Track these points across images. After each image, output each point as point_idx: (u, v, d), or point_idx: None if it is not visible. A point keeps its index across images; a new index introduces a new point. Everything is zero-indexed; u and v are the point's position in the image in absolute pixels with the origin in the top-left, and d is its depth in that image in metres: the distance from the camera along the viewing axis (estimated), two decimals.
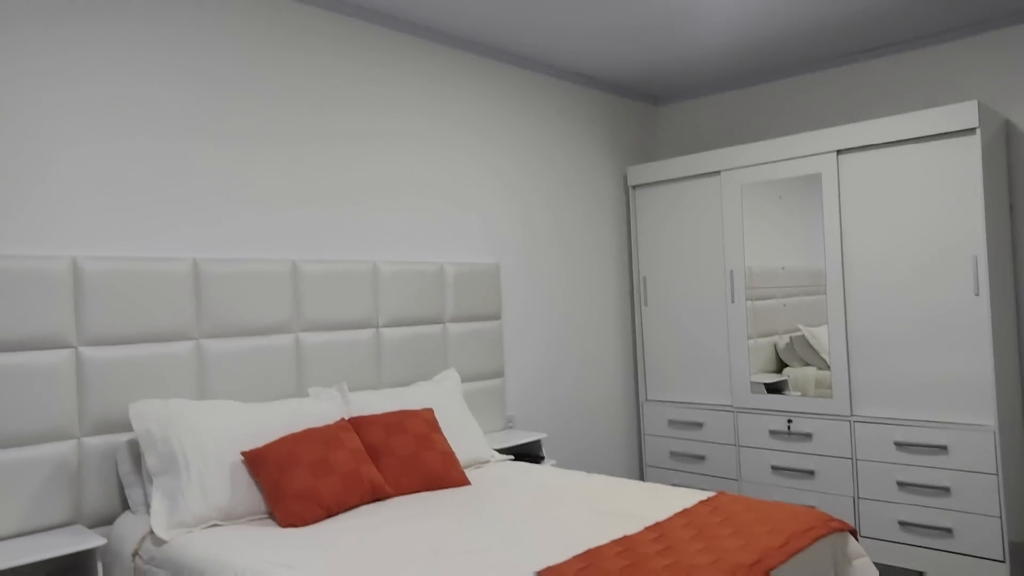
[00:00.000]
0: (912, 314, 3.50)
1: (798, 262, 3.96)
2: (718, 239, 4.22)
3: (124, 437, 2.51)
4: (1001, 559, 3.23)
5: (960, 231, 3.36)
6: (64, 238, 2.48)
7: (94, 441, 2.46)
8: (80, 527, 2.38)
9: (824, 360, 3.85)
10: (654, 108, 5.04)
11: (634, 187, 4.61)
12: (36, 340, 2.35)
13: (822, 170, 3.78)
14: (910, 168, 3.51)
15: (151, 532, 2.25)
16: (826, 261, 3.78)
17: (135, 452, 2.48)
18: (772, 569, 1.79)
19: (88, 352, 2.45)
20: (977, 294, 3.30)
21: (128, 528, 2.33)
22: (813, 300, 3.90)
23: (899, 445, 3.52)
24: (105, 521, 2.46)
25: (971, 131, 3.31)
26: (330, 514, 2.34)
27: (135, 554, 2.24)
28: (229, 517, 2.33)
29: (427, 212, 3.58)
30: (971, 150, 3.32)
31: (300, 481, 2.34)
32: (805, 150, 3.82)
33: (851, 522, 3.69)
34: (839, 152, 3.73)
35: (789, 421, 3.90)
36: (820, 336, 3.89)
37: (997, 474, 3.24)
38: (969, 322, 3.33)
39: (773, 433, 3.98)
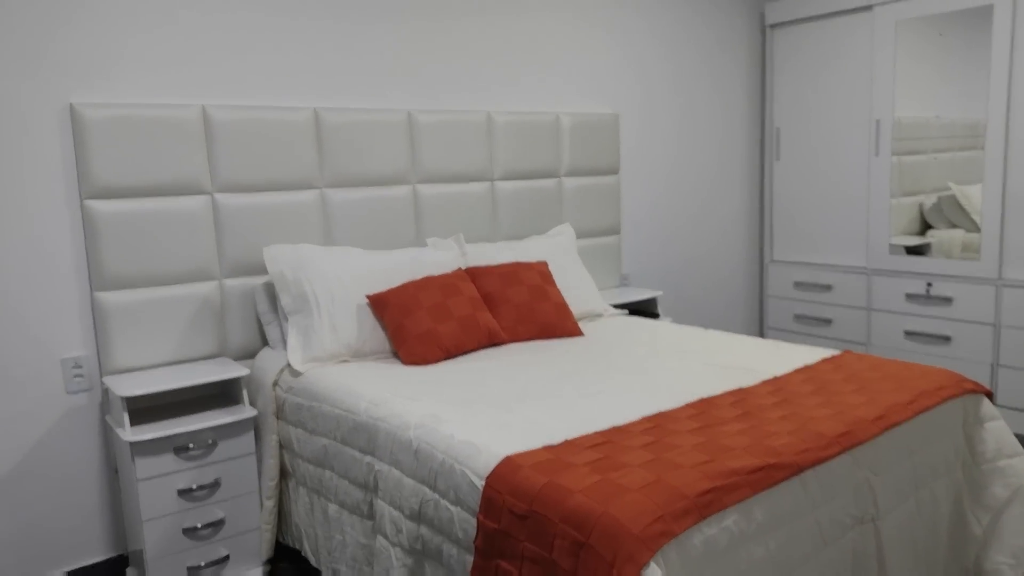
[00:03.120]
0: None
1: (955, 112, 3.55)
2: (866, 85, 3.83)
3: (260, 279, 2.68)
4: None
5: None
6: (194, 87, 2.56)
7: (233, 282, 2.64)
8: (226, 359, 2.61)
9: (974, 222, 3.52)
10: None
11: (772, 26, 4.20)
12: (176, 186, 2.50)
13: (995, 1, 3.28)
14: None
15: (288, 365, 2.44)
16: (989, 110, 3.36)
17: (271, 293, 2.65)
18: (896, 425, 1.72)
19: (223, 198, 2.58)
20: None
21: (268, 361, 2.53)
22: (968, 156, 3.52)
23: None
24: (247, 355, 2.68)
25: None
26: (449, 355, 2.44)
27: (275, 384, 2.44)
28: (357, 354, 2.48)
29: (540, 61, 3.43)
30: None
31: (421, 324, 2.44)
32: None
33: None
34: None
35: (929, 284, 3.65)
36: (972, 196, 3.54)
37: None
38: None
39: (909, 297, 3.74)
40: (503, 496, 1.49)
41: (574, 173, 3.50)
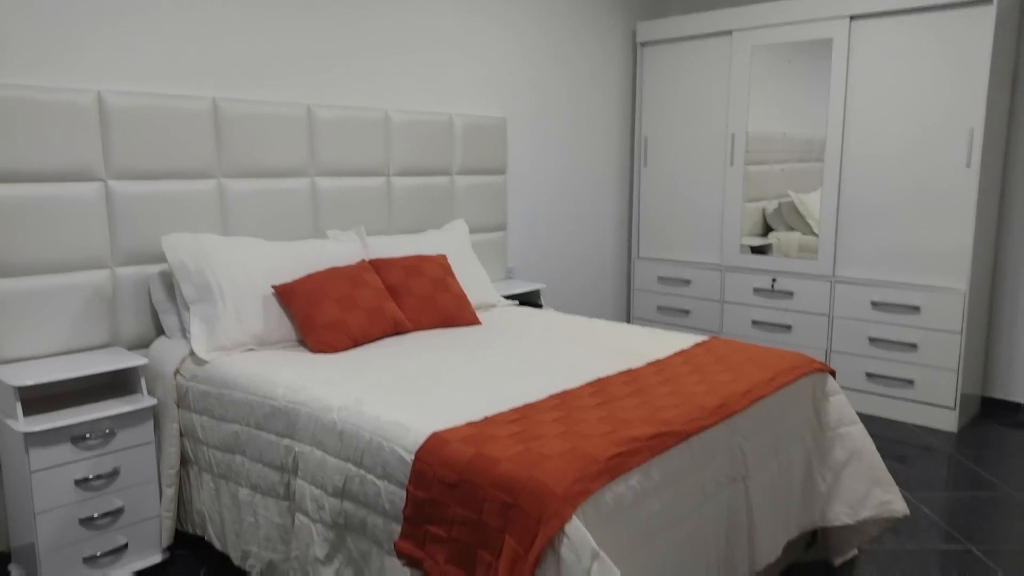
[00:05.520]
0: (903, 184, 3.64)
1: (798, 128, 4.03)
2: (723, 102, 4.25)
3: (155, 268, 2.64)
4: (952, 407, 3.57)
5: (962, 103, 3.43)
6: (89, 72, 2.48)
7: (127, 271, 2.59)
8: (119, 348, 2.56)
9: (809, 225, 4.02)
10: None
11: (642, 44, 4.56)
12: (66, 172, 2.42)
13: (834, 35, 3.78)
14: (921, 38, 3.52)
15: (191, 354, 2.44)
16: (828, 128, 3.86)
17: (167, 282, 2.62)
18: (761, 398, 2.02)
19: (117, 185, 2.53)
20: (968, 166, 3.43)
21: (166, 350, 2.51)
22: (806, 167, 4.01)
23: (875, 304, 3.76)
24: (141, 345, 2.64)
25: (987, 1, 3.32)
26: (357, 343, 2.53)
27: (176, 372, 2.43)
28: (264, 343, 2.51)
29: (437, 63, 3.57)
30: (984, 21, 3.34)
31: (329, 313, 2.51)
32: (820, 13, 3.80)
33: None
34: (852, 17, 3.71)
35: (774, 280, 4.13)
36: (808, 203, 4.03)
37: (961, 333, 3.52)
38: (956, 193, 3.48)
39: (757, 291, 4.21)
40: (433, 468, 1.63)
41: (466, 171, 3.66)
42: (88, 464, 2.25)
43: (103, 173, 2.50)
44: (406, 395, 1.98)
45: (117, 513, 2.32)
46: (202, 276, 2.49)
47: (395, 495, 1.71)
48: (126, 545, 2.35)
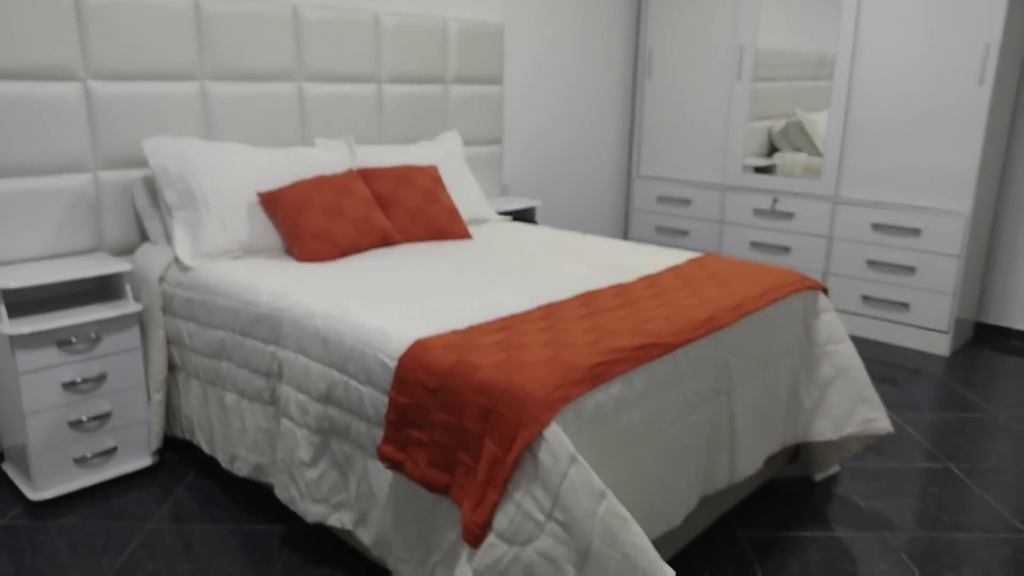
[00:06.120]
0: (913, 104, 3.53)
1: (808, 44, 3.88)
2: (732, 12, 4.08)
3: (138, 173, 2.58)
4: (946, 331, 3.56)
5: (977, 18, 3.29)
6: None
7: (109, 175, 2.53)
8: (104, 254, 2.53)
9: (815, 146, 3.92)
10: None
11: None
12: (43, 70, 2.33)
13: None
14: None
15: (176, 260, 2.41)
16: (839, 44, 3.71)
17: (151, 187, 2.56)
18: (750, 313, 2.00)
19: (96, 86, 2.44)
20: (981, 83, 3.31)
21: (151, 257, 2.48)
22: (815, 85, 3.88)
23: (875, 227, 3.71)
24: (125, 250, 2.61)
25: None
26: (344, 254, 2.50)
27: (161, 279, 2.41)
28: (249, 251, 2.48)
29: None
30: None
31: (315, 222, 2.47)
32: None
33: None
34: None
35: (775, 200, 4.06)
36: (816, 122, 3.92)
37: (960, 257, 3.47)
38: (966, 112, 3.37)
39: (757, 211, 4.14)
40: (416, 374, 1.62)
41: (460, 80, 3.55)
42: (75, 368, 2.25)
43: (82, 72, 2.41)
44: (391, 303, 1.96)
45: (106, 417, 2.34)
46: (185, 182, 2.43)
47: (378, 401, 1.71)
48: (116, 448, 2.38)
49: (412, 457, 1.63)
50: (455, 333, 1.72)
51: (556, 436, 1.40)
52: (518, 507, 1.41)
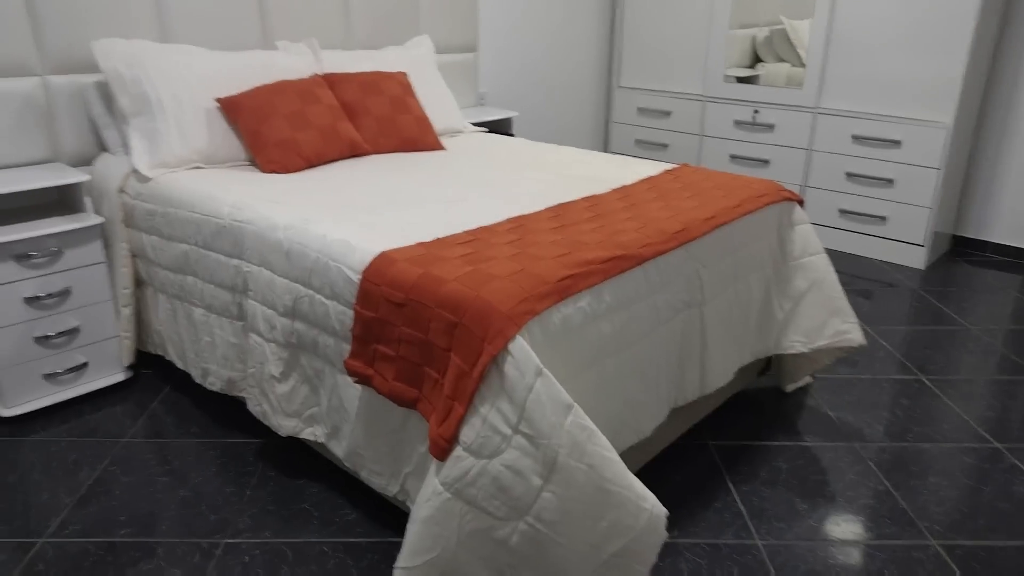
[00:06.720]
0: (900, 11, 3.41)
1: None
2: None
3: (91, 78, 2.45)
4: (922, 244, 3.57)
5: None
6: None
7: (59, 80, 2.40)
8: (61, 164, 2.43)
9: (799, 56, 3.80)
10: None
11: None
12: None
13: None
14: None
15: (134, 171, 2.32)
16: None
17: (105, 93, 2.44)
18: (723, 225, 1.97)
19: None
20: None
21: (109, 167, 2.39)
22: None
23: (856, 138, 3.65)
24: (84, 162, 2.50)
25: None
26: (310, 164, 2.42)
27: (121, 190, 2.32)
28: (211, 161, 2.39)
29: None
30: None
31: (279, 131, 2.37)
32: None
33: None
34: None
35: (756, 111, 3.97)
36: (800, 30, 3.80)
37: (940, 169, 3.44)
38: (955, 19, 3.27)
39: (737, 123, 4.06)
40: (380, 287, 1.58)
41: None
42: (37, 283, 2.19)
43: None
44: (356, 215, 1.90)
45: (73, 332, 2.30)
46: (139, 86, 2.32)
47: (344, 315, 1.68)
48: (86, 364, 2.35)
49: (380, 371, 1.61)
50: (421, 245, 1.68)
51: (522, 350, 1.39)
52: (484, 420, 1.41)
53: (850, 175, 3.70)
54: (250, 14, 2.78)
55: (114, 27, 2.45)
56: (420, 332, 1.52)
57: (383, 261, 1.62)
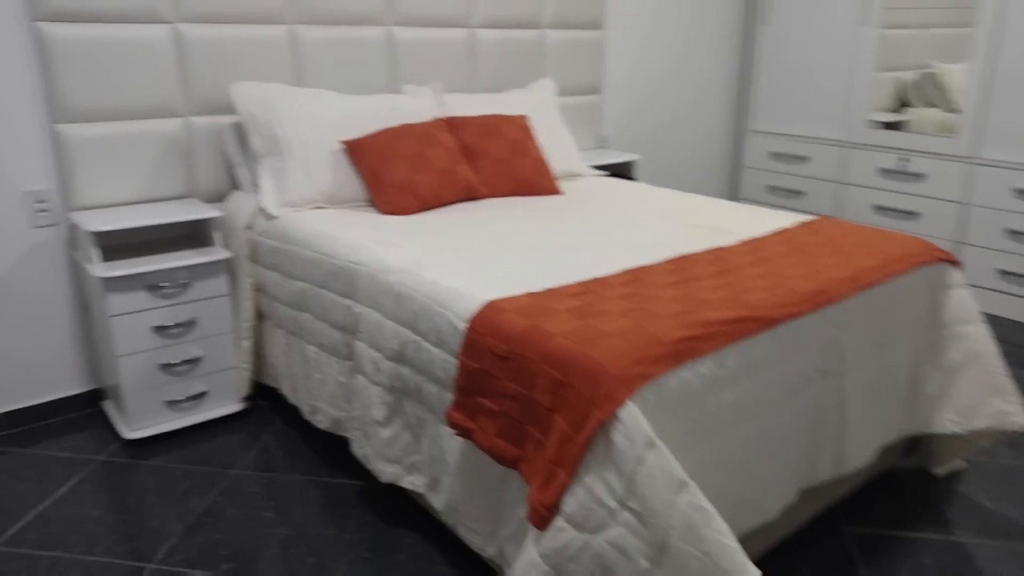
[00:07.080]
0: None
1: None
2: None
3: (228, 119, 2.57)
4: None
5: None
6: None
7: (200, 121, 2.53)
8: (195, 200, 2.54)
9: (949, 101, 3.49)
10: None
11: None
12: (134, 12, 2.33)
13: None
14: None
15: (262, 209, 2.39)
16: None
17: (240, 133, 2.55)
18: (867, 288, 1.77)
19: (186, 29, 2.42)
20: None
21: (239, 204, 2.47)
22: (954, 33, 3.44)
23: (1018, 192, 3.28)
24: (216, 197, 2.62)
25: None
26: (427, 207, 2.41)
27: (248, 227, 2.40)
28: (333, 201, 2.43)
29: None
30: None
31: (398, 173, 2.38)
32: None
33: None
34: None
35: (906, 160, 3.66)
36: (954, 75, 3.49)
37: None
38: None
39: (883, 171, 3.76)
40: (485, 338, 1.51)
41: (557, 25, 3.35)
42: (165, 312, 2.28)
43: (172, 15, 2.39)
44: (468, 261, 1.85)
45: (196, 361, 2.37)
46: (270, 128, 2.40)
47: (448, 363, 1.62)
48: (206, 392, 2.42)
49: (482, 426, 1.53)
50: (529, 296, 1.59)
51: (633, 417, 1.26)
52: (589, 491, 1.29)
53: (1011, 232, 3.33)
54: (379, 60, 2.85)
55: (253, 72, 2.57)
56: (524, 388, 1.43)
57: (490, 311, 1.55)
